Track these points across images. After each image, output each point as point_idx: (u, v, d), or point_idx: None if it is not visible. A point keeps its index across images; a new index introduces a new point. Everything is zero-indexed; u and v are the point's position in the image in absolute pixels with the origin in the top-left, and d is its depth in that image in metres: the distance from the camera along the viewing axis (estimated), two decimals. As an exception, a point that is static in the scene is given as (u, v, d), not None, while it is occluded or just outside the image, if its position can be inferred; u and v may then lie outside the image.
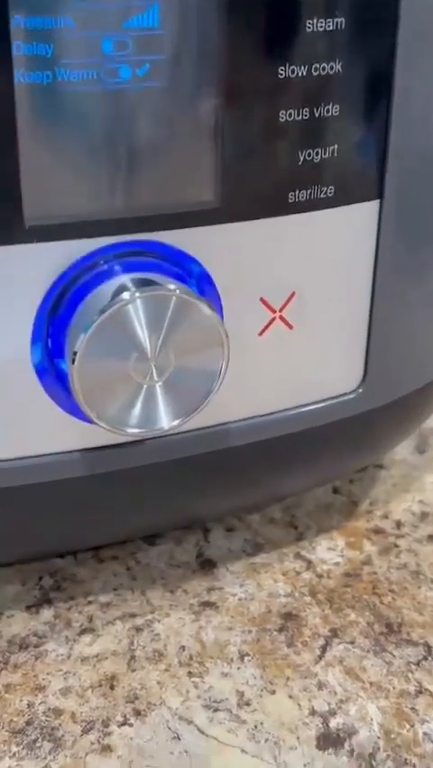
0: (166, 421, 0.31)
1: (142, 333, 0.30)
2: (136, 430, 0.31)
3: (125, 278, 0.30)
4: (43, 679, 0.35)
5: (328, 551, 0.42)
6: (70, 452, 0.33)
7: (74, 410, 0.32)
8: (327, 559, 0.42)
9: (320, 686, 0.35)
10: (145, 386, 0.30)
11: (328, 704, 0.34)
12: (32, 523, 0.35)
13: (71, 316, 0.31)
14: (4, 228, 0.29)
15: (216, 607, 0.39)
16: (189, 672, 0.36)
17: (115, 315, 0.29)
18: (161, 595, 0.39)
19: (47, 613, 0.38)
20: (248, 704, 0.35)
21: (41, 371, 0.31)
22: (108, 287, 0.30)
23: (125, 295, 0.29)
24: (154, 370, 0.30)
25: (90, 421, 0.31)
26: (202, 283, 0.32)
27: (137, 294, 0.29)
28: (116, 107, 0.29)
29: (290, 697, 0.35)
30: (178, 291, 0.30)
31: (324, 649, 0.37)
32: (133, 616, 0.38)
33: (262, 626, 0.38)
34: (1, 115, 0.27)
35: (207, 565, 0.41)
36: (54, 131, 0.29)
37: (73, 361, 0.29)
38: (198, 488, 0.36)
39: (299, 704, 0.35)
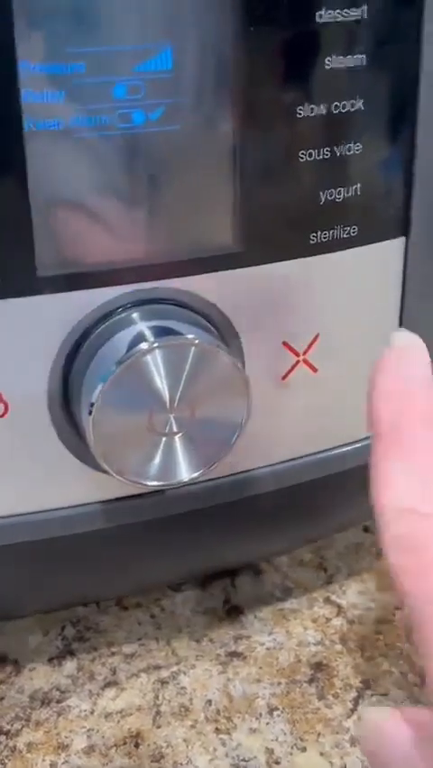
0: (186, 473, 0.30)
1: (161, 383, 0.29)
2: (155, 483, 0.30)
3: (143, 327, 0.29)
4: (66, 736, 0.34)
5: (359, 594, 0.41)
6: (89, 504, 0.32)
7: (91, 462, 0.31)
8: (358, 603, 0.40)
9: (353, 742, 0.34)
10: (164, 438, 0.29)
11: (362, 762, 0.33)
12: (54, 576, 0.34)
13: (88, 367, 0.30)
14: (16, 279, 0.28)
15: (244, 657, 0.37)
16: (217, 729, 0.34)
17: (132, 366, 0.28)
18: (186, 644, 0.38)
19: (70, 665, 0.37)
20: (278, 762, 0.33)
21: (58, 423, 0.30)
22: (125, 336, 0.29)
23: (143, 345, 0.28)
24: (173, 422, 0.29)
25: (108, 473, 0.30)
26: (222, 329, 0.31)
27: (155, 344, 0.28)
28: (130, 153, 0.28)
29: (322, 754, 0.33)
30: (197, 340, 0.29)
31: (356, 702, 0.36)
32: (158, 668, 0.37)
33: (292, 678, 0.36)
34: (12, 164, 0.27)
35: (234, 612, 0.40)
36: (66, 178, 0.28)
37: (90, 412, 0.28)
38: (220, 537, 0.35)
39: (331, 762, 0.33)
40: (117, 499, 0.32)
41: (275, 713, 0.35)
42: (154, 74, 0.27)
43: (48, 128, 0.27)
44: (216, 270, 0.30)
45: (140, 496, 0.32)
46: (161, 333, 0.29)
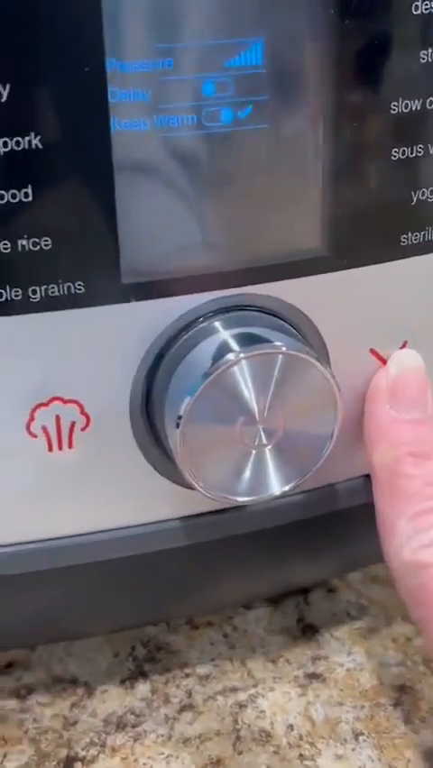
0: (276, 486, 0.28)
1: (249, 394, 0.27)
2: (245, 498, 0.28)
3: (227, 335, 0.28)
4: (144, 763, 0.33)
5: (438, 612, 0.39)
6: (169, 520, 0.31)
7: (174, 476, 0.30)
8: (439, 621, 0.39)
9: (445, 769, 0.32)
10: (253, 451, 0.28)
11: (456, 791, 0.32)
12: (125, 594, 0.33)
13: (171, 377, 0.28)
14: (101, 286, 0.27)
15: (324, 679, 0.36)
16: (300, 755, 0.33)
17: (219, 378, 0.27)
18: (262, 666, 0.37)
19: (143, 688, 0.36)
20: (367, 791, 0.32)
21: (140, 436, 0.29)
22: (210, 344, 0.28)
23: (230, 356, 0.27)
24: (263, 434, 0.28)
25: (193, 488, 0.28)
26: (308, 337, 0.30)
27: (242, 354, 0.27)
28: (217, 153, 0.27)
29: (413, 782, 0.32)
30: (285, 348, 0.27)
31: (445, 726, 0.34)
32: (235, 690, 0.36)
33: (376, 701, 0.35)
34: (98, 166, 0.25)
35: (309, 631, 0.38)
36: (152, 180, 0.27)
37: (177, 425, 0.27)
38: (301, 553, 0.33)
39: (422, 790, 0.32)
40: (198, 515, 0.31)
41: (360, 738, 0.33)
42: (244, 70, 0.26)
43: (134, 128, 0.26)
44: (303, 276, 0.29)
45: (221, 511, 0.31)
46: (247, 341, 0.28)
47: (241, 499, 0.28)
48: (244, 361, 0.27)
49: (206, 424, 0.27)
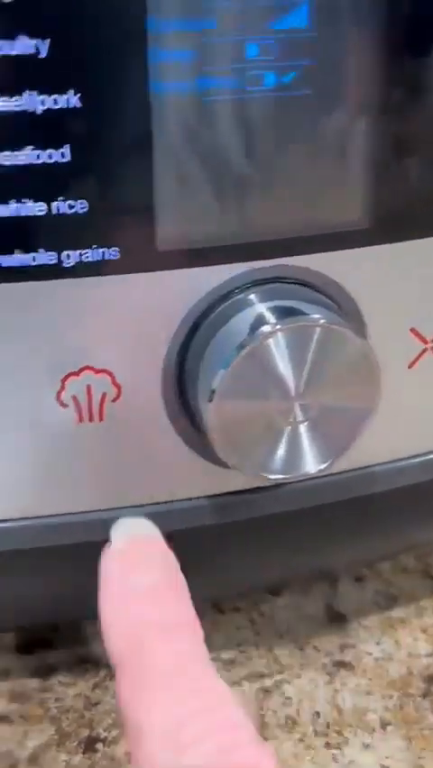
0: (312, 465, 0.27)
1: (285, 368, 0.27)
2: (279, 476, 0.28)
3: (263, 308, 0.27)
4: (167, 746, 0.32)
5: (470, 604, 0.38)
6: (200, 497, 0.30)
7: (206, 452, 0.29)
8: (470, 613, 0.38)
9: (475, 762, 0.31)
10: (288, 427, 0.27)
11: None
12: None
13: (205, 350, 0.28)
14: (137, 253, 0.26)
15: (352, 667, 0.35)
16: (327, 743, 0.32)
17: (255, 351, 0.26)
18: (289, 652, 0.36)
19: (167, 670, 0.35)
20: (395, 782, 0.31)
21: (171, 409, 0.29)
22: (246, 316, 0.27)
23: (266, 327, 0.26)
24: (298, 410, 0.27)
25: (226, 466, 0.28)
26: (347, 312, 0.29)
27: (278, 326, 0.26)
28: (258, 118, 0.26)
29: (442, 774, 0.31)
30: (323, 321, 0.27)
31: (476, 719, 0.33)
32: (261, 676, 0.35)
33: (405, 691, 0.34)
34: (136, 129, 0.25)
35: (337, 619, 0.38)
36: (191, 145, 0.26)
37: (210, 399, 0.27)
38: (335, 536, 0.33)
39: (452, 783, 0.31)
40: (229, 493, 0.30)
41: (388, 728, 0.33)
42: (289, 32, 0.25)
43: (174, 90, 0.25)
44: (344, 248, 0.28)
45: (254, 490, 0.30)
46: (283, 313, 0.27)
47: (274, 477, 0.27)
48: (279, 334, 0.26)
49: (239, 398, 0.27)
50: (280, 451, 0.27)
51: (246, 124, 0.26)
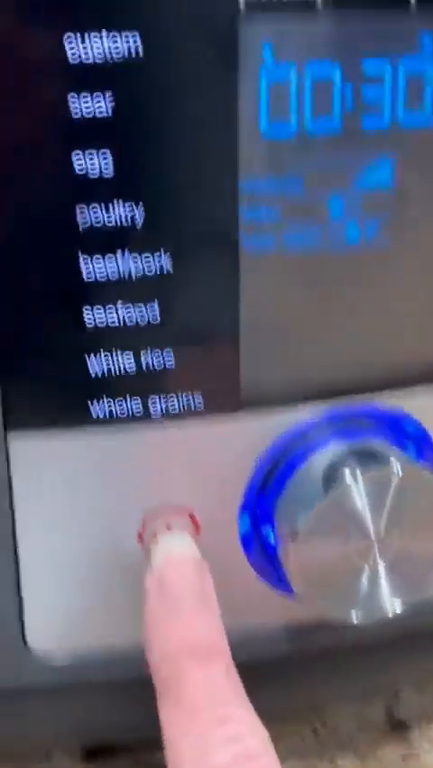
0: (390, 606, 0.28)
1: (365, 510, 0.27)
2: (355, 616, 0.28)
3: (341, 448, 0.28)
4: None
5: None
6: (274, 628, 0.30)
7: (278, 584, 0.29)
8: None
9: None
10: (367, 568, 0.28)
11: None
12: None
13: (282, 487, 0.28)
14: (220, 399, 0.27)
15: (415, 781, 0.35)
16: None
17: (336, 495, 0.27)
18: (351, 763, 0.36)
19: (232, 783, 0.35)
20: None
21: (246, 542, 0.29)
22: (322, 456, 0.28)
23: (347, 472, 0.27)
24: (377, 552, 0.27)
25: (303, 602, 0.28)
26: (422, 447, 0.29)
27: (359, 470, 0.27)
28: (341, 270, 0.27)
29: None
30: (403, 464, 0.27)
31: None
32: (326, 789, 0.35)
33: (471, 809, 0.34)
34: (224, 284, 0.25)
35: (399, 728, 0.38)
36: (275, 297, 0.26)
37: (291, 538, 0.27)
38: (398, 666, 0.33)
39: None
40: (303, 624, 0.30)
41: None
42: (372, 190, 0.26)
43: (261, 246, 0.26)
44: (419, 384, 0.29)
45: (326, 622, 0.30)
46: (364, 455, 0.28)
47: (353, 617, 0.28)
48: (361, 478, 0.27)
49: (320, 539, 0.27)
50: (358, 591, 0.28)
51: (329, 276, 0.27)
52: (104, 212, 0.24)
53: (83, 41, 0.22)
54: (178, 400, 0.26)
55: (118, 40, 0.22)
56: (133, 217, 0.24)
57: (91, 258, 0.24)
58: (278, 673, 0.32)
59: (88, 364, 0.26)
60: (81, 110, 0.23)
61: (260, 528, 0.29)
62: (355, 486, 0.27)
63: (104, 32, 0.22)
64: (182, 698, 0.24)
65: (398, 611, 0.28)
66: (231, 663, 0.26)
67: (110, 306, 0.25)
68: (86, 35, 0.22)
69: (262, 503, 0.29)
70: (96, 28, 0.22)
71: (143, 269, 0.25)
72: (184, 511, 0.28)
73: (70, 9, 0.22)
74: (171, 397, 0.26)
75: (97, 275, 0.24)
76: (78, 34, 0.22)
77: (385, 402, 0.29)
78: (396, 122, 0.25)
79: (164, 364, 0.26)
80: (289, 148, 0.25)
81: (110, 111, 0.23)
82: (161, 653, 0.25)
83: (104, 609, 0.29)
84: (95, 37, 0.22)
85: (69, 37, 0.22)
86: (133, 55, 0.23)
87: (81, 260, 0.24)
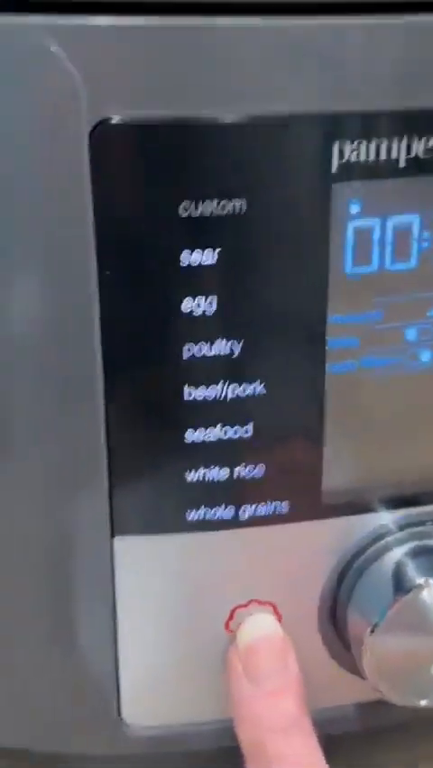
0: (453, 697, 0.30)
1: (434, 612, 0.30)
2: (424, 703, 0.30)
3: (409, 547, 0.30)
4: None
5: None
6: (343, 706, 0.33)
7: (353, 669, 0.32)
8: None
9: None
10: (435, 663, 0.30)
11: None
12: None
13: (356, 584, 0.31)
14: (304, 506, 0.29)
15: None
16: None
17: (408, 600, 0.29)
18: None
19: None
20: None
21: (325, 634, 0.31)
22: (393, 555, 0.30)
23: (419, 581, 0.29)
24: (445, 648, 0.30)
25: (377, 690, 0.30)
26: None
27: (429, 579, 0.29)
28: (416, 388, 0.29)
29: None
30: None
31: None
32: None
33: None
34: (311, 406, 0.28)
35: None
36: (357, 414, 0.29)
37: (371, 631, 0.29)
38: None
39: None
40: (371, 702, 0.33)
41: None
42: (445, 320, 0.29)
43: (344, 371, 0.28)
44: None
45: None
46: (430, 555, 0.30)
47: (424, 703, 0.30)
48: (430, 583, 0.29)
49: (392, 636, 0.29)
50: (428, 681, 0.30)
51: (405, 394, 0.29)
52: (206, 347, 0.27)
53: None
54: (266, 508, 0.29)
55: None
56: (231, 352, 0.27)
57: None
58: (349, 752, 0.34)
59: (186, 476, 0.29)
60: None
61: (336, 621, 0.31)
62: (427, 590, 0.29)
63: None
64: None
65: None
66: (311, 729, 0.28)
67: (210, 425, 0.28)
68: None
69: (338, 598, 0.31)
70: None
71: (240, 396, 0.27)
72: (267, 605, 0.31)
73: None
74: (260, 504, 0.29)
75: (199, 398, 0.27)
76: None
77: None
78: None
79: (255, 476, 0.29)
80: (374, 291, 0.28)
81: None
82: (247, 729, 0.28)
83: (192, 689, 0.31)
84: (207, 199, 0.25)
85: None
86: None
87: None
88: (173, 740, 0.32)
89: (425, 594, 0.29)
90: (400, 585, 0.29)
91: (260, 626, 0.30)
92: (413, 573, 0.30)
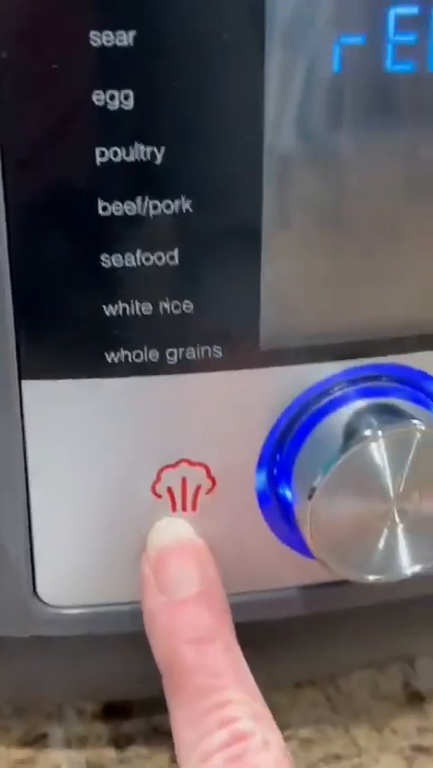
0: (408, 567, 0.27)
1: (384, 471, 0.26)
2: (372, 576, 0.27)
3: (361, 405, 0.27)
4: None
5: None
6: (288, 588, 0.30)
7: (294, 544, 0.29)
8: None
9: None
10: (385, 529, 0.27)
11: None
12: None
13: (301, 447, 0.27)
14: (239, 351, 0.26)
15: (430, 752, 0.35)
16: None
17: (355, 455, 0.26)
18: (366, 734, 0.35)
19: (243, 747, 0.35)
20: None
21: (263, 499, 0.28)
22: (343, 414, 0.27)
23: (367, 432, 0.26)
24: (396, 512, 0.27)
25: (320, 561, 0.27)
26: (447, 410, 0.28)
27: (380, 431, 0.26)
28: (371, 216, 0.26)
29: None
30: (424, 424, 0.26)
31: None
32: (338, 757, 0.35)
33: None
34: (245, 231, 0.25)
35: (415, 699, 0.37)
36: (299, 245, 0.26)
37: (309, 497, 0.26)
38: (420, 628, 0.32)
39: None
40: (319, 585, 0.30)
41: None
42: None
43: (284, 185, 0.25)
44: (447, 346, 0.28)
45: (342, 582, 0.30)
46: (385, 415, 0.27)
47: (370, 577, 0.27)
48: (381, 438, 0.26)
49: (337, 498, 0.26)
50: (376, 552, 0.27)
51: (358, 222, 0.26)
52: (123, 152, 0.23)
53: None
54: (196, 351, 0.26)
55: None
56: (153, 156, 0.23)
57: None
58: (292, 636, 0.31)
59: (105, 311, 0.25)
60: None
61: (277, 486, 0.28)
62: (376, 444, 0.26)
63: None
64: (182, 685, 0.25)
65: (416, 571, 0.27)
66: (231, 638, 0.26)
67: (128, 250, 0.24)
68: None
69: (279, 460, 0.28)
70: None
71: (163, 213, 0.24)
72: (199, 466, 0.27)
73: None
74: (189, 347, 0.26)
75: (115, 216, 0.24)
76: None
77: (410, 362, 0.28)
78: None
79: (182, 312, 0.25)
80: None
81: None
82: (161, 641, 0.26)
83: (115, 561, 0.28)
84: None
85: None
86: None
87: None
88: (97, 621, 0.29)
89: (373, 448, 0.26)
90: (347, 443, 0.26)
91: (171, 531, 0.27)
92: (361, 430, 0.26)
